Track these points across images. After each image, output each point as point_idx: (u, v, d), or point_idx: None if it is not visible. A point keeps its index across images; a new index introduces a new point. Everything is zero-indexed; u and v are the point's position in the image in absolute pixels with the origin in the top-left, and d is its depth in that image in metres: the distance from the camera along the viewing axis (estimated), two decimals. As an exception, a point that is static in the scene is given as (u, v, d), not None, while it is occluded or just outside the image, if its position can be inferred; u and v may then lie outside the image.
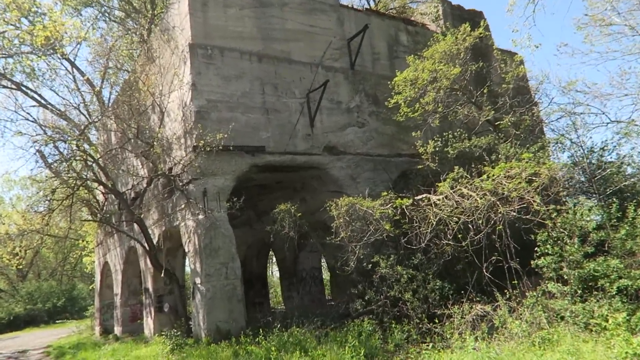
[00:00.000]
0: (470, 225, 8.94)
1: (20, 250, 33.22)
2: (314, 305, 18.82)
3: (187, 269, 21.33)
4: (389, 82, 18.14)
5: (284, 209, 12.21)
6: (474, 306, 8.32)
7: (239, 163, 13.93)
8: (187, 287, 18.59)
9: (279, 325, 10.89)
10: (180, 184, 13.62)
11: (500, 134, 11.71)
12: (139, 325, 19.27)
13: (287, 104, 15.41)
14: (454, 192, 9.12)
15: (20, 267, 40.43)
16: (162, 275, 15.82)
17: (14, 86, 25.37)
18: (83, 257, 28.90)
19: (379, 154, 16.98)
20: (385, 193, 10.81)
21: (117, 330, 19.96)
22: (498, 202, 8.21)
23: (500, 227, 8.18)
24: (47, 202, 17.30)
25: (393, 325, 9.04)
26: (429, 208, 9.60)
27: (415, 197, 10.37)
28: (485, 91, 12.42)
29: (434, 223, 9.09)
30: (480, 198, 8.45)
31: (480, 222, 8.36)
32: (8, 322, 36.53)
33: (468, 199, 8.65)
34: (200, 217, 13.01)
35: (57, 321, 34.86)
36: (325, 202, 16.49)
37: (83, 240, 28.45)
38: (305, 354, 8.45)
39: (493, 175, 8.76)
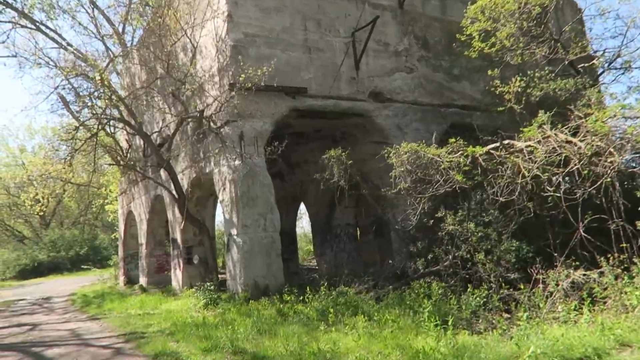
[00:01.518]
0: (558, 178, 7.55)
1: (42, 197, 32.86)
2: (349, 263, 17.80)
3: (217, 220, 20.46)
4: (440, 25, 16.53)
5: (334, 155, 10.89)
6: (570, 271, 7.05)
7: (279, 106, 12.59)
8: (216, 239, 17.68)
9: (325, 284, 9.79)
10: (215, 126, 12.35)
11: (586, 77, 10.13)
12: (165, 277, 18.55)
13: (330, 43, 13.87)
14: (545, 138, 7.71)
15: (42, 213, 40.37)
16: (192, 225, 14.86)
17: (33, 26, 24.10)
18: (105, 206, 28.22)
19: (428, 103, 15.46)
20: (453, 139, 9.41)
21: (143, 280, 19.30)
22: (612, 149, 6.79)
23: (609, 179, 6.79)
24: (68, 147, 16.32)
25: (468, 290, 7.82)
26: (509, 157, 8.21)
27: (490, 146, 8.97)
28: (567, 29, 10.73)
29: (523, 173, 7.71)
30: (586, 144, 7.06)
31: (585, 172, 6.99)
32: (32, 269, 36.63)
33: (566, 146, 7.25)
34: (237, 163, 11.81)
35: (83, 267, 34.64)
36: (368, 154, 15.24)
37: (105, 189, 27.70)
38: (367, 318, 7.32)
39: (601, 118, 7.33)
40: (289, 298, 9.72)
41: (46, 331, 10.64)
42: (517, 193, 7.95)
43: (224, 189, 12.17)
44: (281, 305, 9.52)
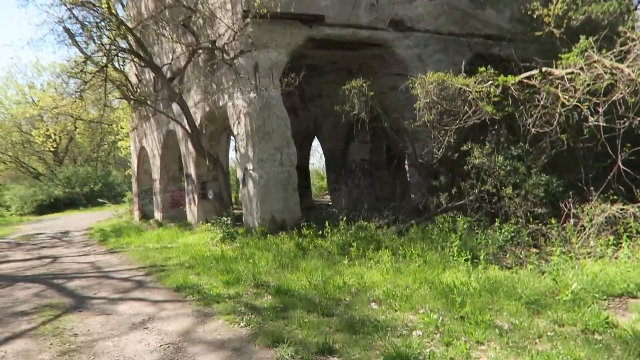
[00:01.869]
0: (601, 107, 7.06)
1: (53, 133, 32.76)
2: (363, 199, 17.66)
3: (231, 156, 20.23)
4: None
5: (355, 85, 10.37)
6: (607, 206, 6.73)
7: (295, 35, 11.92)
8: (230, 174, 17.49)
9: (344, 218, 9.61)
10: (228, 57, 11.78)
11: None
12: (179, 212, 18.62)
13: (349, -34, 12.92)
14: (589, 64, 7.13)
15: (55, 150, 40.48)
16: (205, 160, 14.63)
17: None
18: (118, 142, 28.06)
19: (451, 33, 14.62)
20: (482, 68, 8.82)
21: (158, 215, 19.43)
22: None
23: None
24: (77, 82, 15.87)
25: (495, 224, 7.57)
26: (546, 86, 7.66)
27: (523, 74, 8.39)
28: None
29: (563, 102, 7.21)
30: (637, 70, 6.49)
31: (632, 101, 6.48)
32: (49, 204, 37.24)
33: (615, 72, 6.69)
34: (252, 95, 11.36)
35: (99, 200, 34.99)
36: (386, 87, 14.63)
37: (117, 125, 27.42)
38: (391, 253, 7.15)
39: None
40: (307, 232, 9.59)
41: (67, 264, 10.72)
42: (552, 124, 7.48)
43: (239, 122, 11.80)
44: (300, 240, 9.41)
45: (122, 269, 9.33)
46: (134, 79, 20.98)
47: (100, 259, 11.16)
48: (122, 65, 21.34)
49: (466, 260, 6.42)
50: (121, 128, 26.74)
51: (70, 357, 4.59)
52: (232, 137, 15.66)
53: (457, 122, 8.66)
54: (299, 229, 10.63)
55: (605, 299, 4.86)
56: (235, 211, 15.85)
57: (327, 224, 9.47)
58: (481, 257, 6.04)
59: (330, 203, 19.22)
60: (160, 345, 4.70)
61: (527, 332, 4.17)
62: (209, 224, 14.25)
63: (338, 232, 9.27)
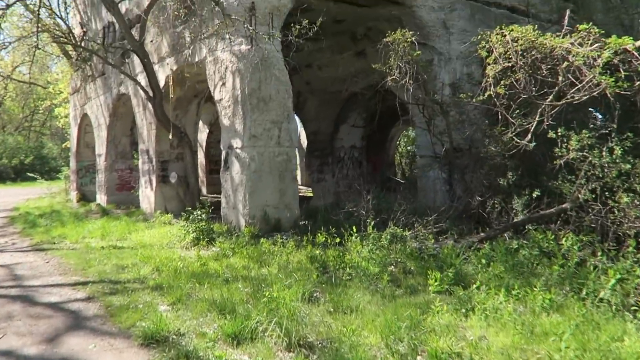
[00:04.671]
0: None
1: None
2: (351, 193, 15.12)
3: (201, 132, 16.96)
4: None
5: (399, 36, 7.69)
6: None
7: (302, -27, 9.07)
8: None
9: (372, 222, 6.98)
10: (213, -6, 8.76)
11: None
12: (129, 196, 15.34)
13: None
14: None
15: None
16: (169, 134, 11.54)
17: None
18: (55, 109, 23.86)
19: (476, -1, 12.22)
20: (583, 26, 6.43)
21: (101, 199, 16.00)
22: None
23: None
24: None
25: (630, 249, 5.16)
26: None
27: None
28: None
29: None
30: None
31: None
32: (-31, 176, 32.30)
33: None
34: (244, 47, 8.44)
35: (29, 174, 30.21)
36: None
37: (54, 88, 23.22)
38: (488, 288, 4.58)
39: None
40: (323, 239, 6.89)
41: (-33, 267, 7.47)
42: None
43: (223, 84, 8.84)
44: (314, 250, 6.71)
45: (51, 284, 6.26)
46: (78, 31, 17.25)
47: (19, 260, 7.95)
48: (65, 12, 17.62)
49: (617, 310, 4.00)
50: (59, 92, 22.65)
51: None
52: (202, 105, 12.59)
53: (549, 98, 6.18)
54: (301, 231, 7.93)
55: None
56: (203, 199, 12.81)
57: (352, 228, 6.81)
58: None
59: (311, 196, 16.49)
60: None
61: None
62: (169, 215, 11.23)
63: (366, 242, 6.64)
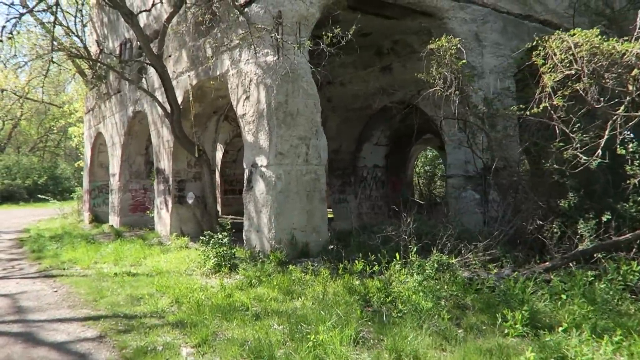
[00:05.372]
0: None
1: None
2: (375, 214, 14.38)
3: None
4: None
5: (444, 42, 7.05)
6: None
7: (330, -18, 8.55)
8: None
9: (414, 248, 6.24)
10: (236, 2, 8.22)
11: None
12: (143, 218, 14.75)
13: None
14: None
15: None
16: (187, 152, 10.96)
17: None
18: (68, 128, 23.49)
19: (509, 11, 11.64)
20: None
21: (114, 220, 15.40)
22: None
23: None
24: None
25: None
26: None
27: None
28: None
29: None
30: None
31: None
32: (-18, 196, 32.09)
33: None
34: (270, 58, 7.86)
35: (40, 196, 29.83)
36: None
37: (69, 107, 22.92)
38: (539, 325, 3.80)
39: None
40: (361, 267, 6.17)
41: (-31, 296, 6.83)
42: None
43: (247, 97, 8.25)
44: (349, 278, 5.98)
45: (58, 318, 5.58)
46: (94, 49, 16.94)
47: (25, 288, 7.29)
48: (82, 31, 17.38)
49: None
50: (74, 111, 22.34)
51: None
52: (221, 122, 12.03)
53: (619, 109, 5.46)
54: (333, 257, 7.20)
55: None
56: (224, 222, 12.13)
57: (395, 255, 6.08)
58: None
59: (331, 217, 15.71)
60: None
61: None
62: (185, 238, 10.58)
63: (410, 271, 5.90)
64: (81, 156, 24.11)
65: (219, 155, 21.04)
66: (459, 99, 7.19)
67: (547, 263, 5.52)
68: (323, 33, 7.31)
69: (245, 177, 8.38)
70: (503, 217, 6.87)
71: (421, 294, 5.07)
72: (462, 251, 6.34)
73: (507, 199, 6.85)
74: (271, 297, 5.83)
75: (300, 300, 5.69)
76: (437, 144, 24.78)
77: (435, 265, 5.83)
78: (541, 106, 6.13)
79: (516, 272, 5.42)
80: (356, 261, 6.21)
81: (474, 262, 6.10)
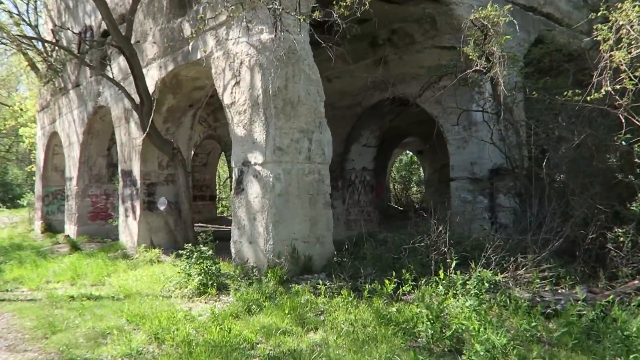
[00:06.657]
0: None
1: None
2: (365, 221, 13.19)
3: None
4: None
5: (491, 12, 5.95)
6: None
7: (333, -48, 7.33)
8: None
9: (453, 261, 5.07)
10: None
11: None
12: (104, 227, 13.06)
13: None
14: None
15: None
16: (158, 151, 9.51)
17: None
18: (19, 129, 21.26)
19: (514, 1, 10.80)
20: None
21: (70, 229, 13.61)
22: None
23: None
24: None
25: None
26: None
27: None
28: None
29: None
30: None
31: None
32: None
33: None
34: (265, 36, 6.57)
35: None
36: (426, 66, 10.44)
37: (20, 105, 20.72)
38: None
39: None
40: (390, 289, 4.94)
41: None
42: None
43: (236, 83, 6.91)
44: (381, 305, 4.75)
45: (-8, 363, 4.10)
46: (49, 39, 15.14)
47: (-45, 318, 5.69)
48: (36, 20, 15.60)
49: None
50: (25, 109, 20.22)
51: None
52: (197, 117, 10.59)
53: None
54: (342, 273, 5.93)
55: None
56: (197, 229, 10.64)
57: (440, 273, 4.88)
58: None
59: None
60: None
61: None
62: (157, 250, 9.08)
63: (454, 292, 4.72)
64: (33, 160, 21.94)
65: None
66: (494, 83, 6.09)
67: (637, 281, 4.45)
68: (333, 2, 6.09)
69: (234, 177, 7.02)
70: (540, 225, 5.79)
71: (488, 325, 3.87)
72: (505, 266, 5.21)
73: (551, 202, 5.78)
74: (281, 328, 4.52)
75: (318, 334, 4.42)
76: (416, 148, 23.98)
77: (486, 284, 4.68)
78: (602, 90, 5.11)
79: (600, 294, 4.32)
80: (386, 280, 4.96)
81: (527, 279, 4.97)
